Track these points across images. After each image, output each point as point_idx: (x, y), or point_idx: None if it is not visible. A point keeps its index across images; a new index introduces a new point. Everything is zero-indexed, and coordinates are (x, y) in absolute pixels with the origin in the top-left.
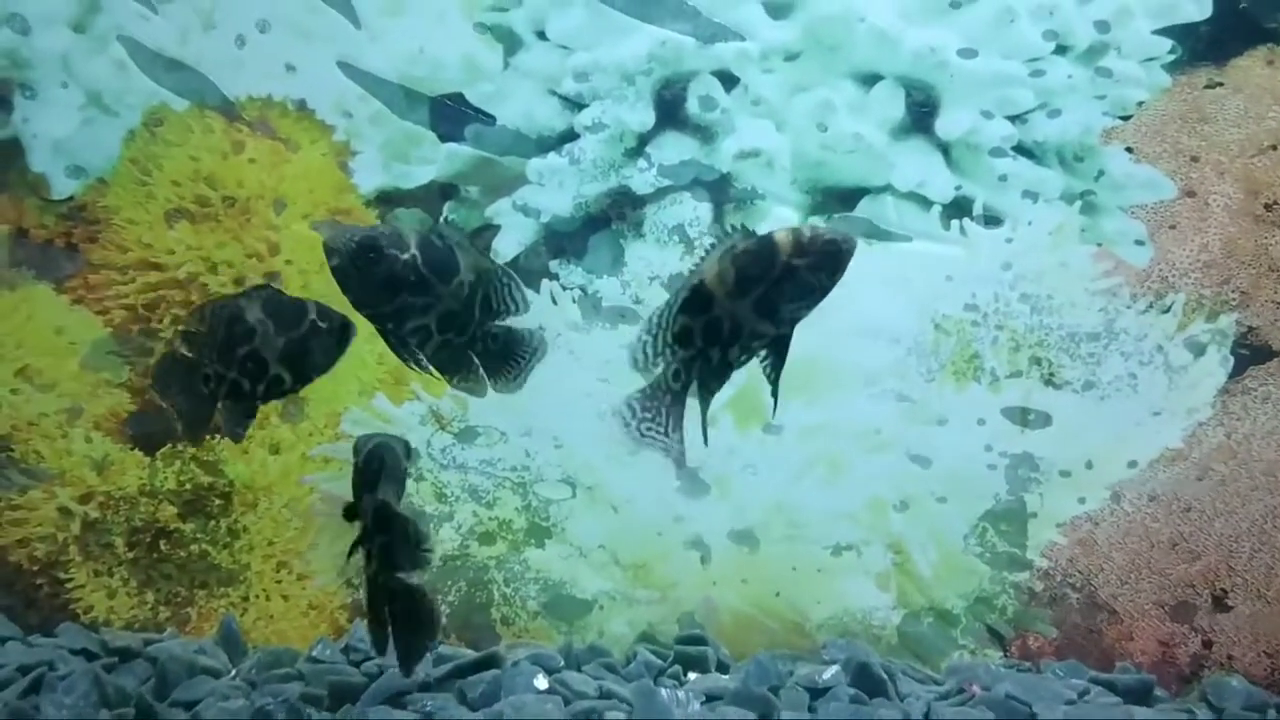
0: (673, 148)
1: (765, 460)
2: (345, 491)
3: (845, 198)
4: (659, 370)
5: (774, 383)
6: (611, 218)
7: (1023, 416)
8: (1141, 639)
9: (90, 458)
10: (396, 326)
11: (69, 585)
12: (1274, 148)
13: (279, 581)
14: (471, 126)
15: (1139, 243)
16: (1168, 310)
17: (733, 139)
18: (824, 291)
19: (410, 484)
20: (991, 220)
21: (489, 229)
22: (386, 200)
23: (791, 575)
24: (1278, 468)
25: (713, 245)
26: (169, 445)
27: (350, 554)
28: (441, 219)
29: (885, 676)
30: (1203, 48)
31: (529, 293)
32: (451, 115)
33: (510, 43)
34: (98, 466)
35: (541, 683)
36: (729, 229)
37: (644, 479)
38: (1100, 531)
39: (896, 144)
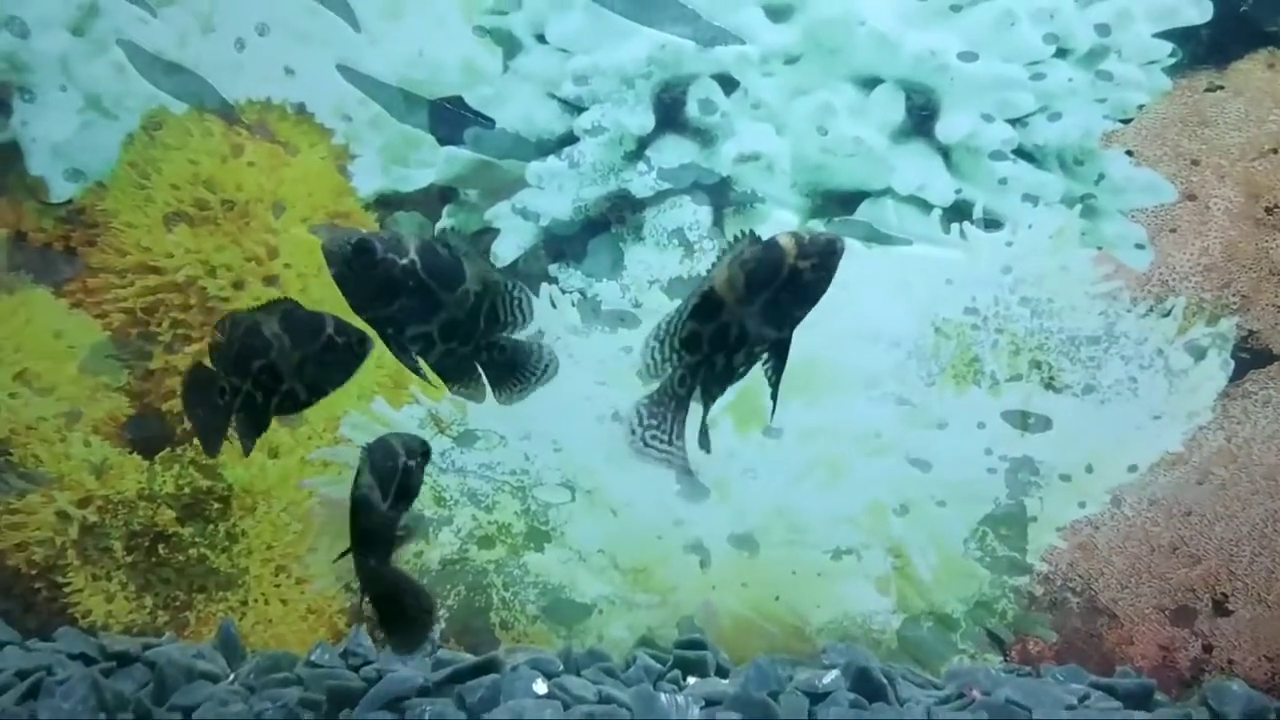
0: (672, 151)
1: (765, 464)
2: (344, 495)
3: (845, 201)
4: (666, 375)
5: (775, 386)
6: (611, 221)
7: (1023, 420)
8: (1142, 643)
9: (89, 461)
10: (397, 332)
11: (67, 589)
12: (1275, 151)
13: (278, 585)
14: (471, 130)
15: (1139, 246)
16: (1168, 314)
17: (732, 142)
18: (822, 292)
19: None
20: (992, 224)
21: (488, 232)
22: (385, 204)
23: (791, 579)
24: (1278, 471)
25: (723, 250)
26: (167, 449)
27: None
28: (438, 223)
29: (885, 681)
30: (1203, 51)
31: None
32: (451, 118)
33: (510, 46)
34: (96, 470)
35: (540, 687)
36: (736, 235)
37: (643, 483)
38: (1100, 535)
39: (897, 147)
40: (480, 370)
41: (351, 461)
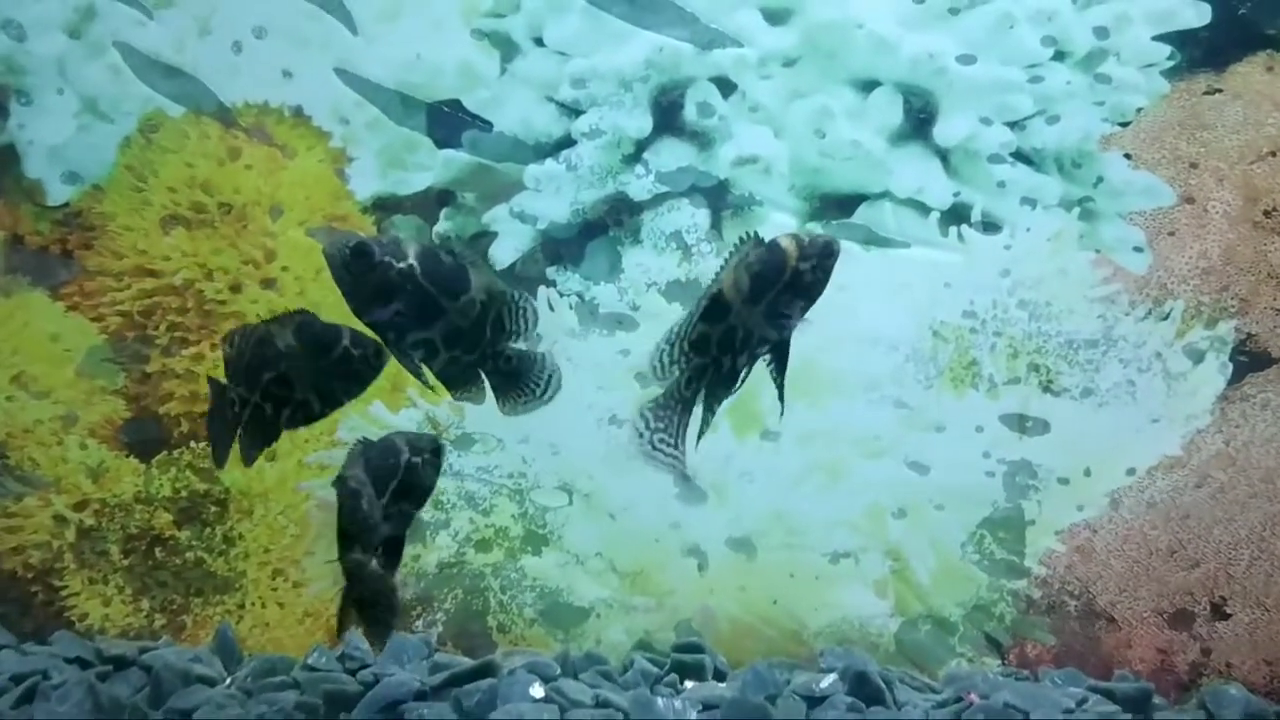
0: (670, 154)
1: (763, 467)
2: None
3: (843, 204)
4: (672, 379)
5: (780, 386)
6: (609, 224)
7: (1021, 423)
8: (1140, 647)
9: (85, 465)
10: (397, 336)
11: (64, 593)
12: (1273, 154)
13: (275, 589)
14: (469, 133)
15: (1138, 249)
16: (1166, 317)
17: (730, 145)
18: (820, 293)
19: None
20: (990, 227)
21: (485, 236)
22: (383, 207)
23: (789, 583)
24: (1276, 475)
25: (729, 252)
26: (164, 452)
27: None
28: (436, 226)
29: (883, 685)
30: (1202, 54)
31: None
32: (449, 122)
33: (507, 49)
34: (93, 474)
35: (538, 691)
36: (741, 237)
37: (641, 486)
38: (1099, 539)
39: (895, 150)
40: (484, 379)
41: None
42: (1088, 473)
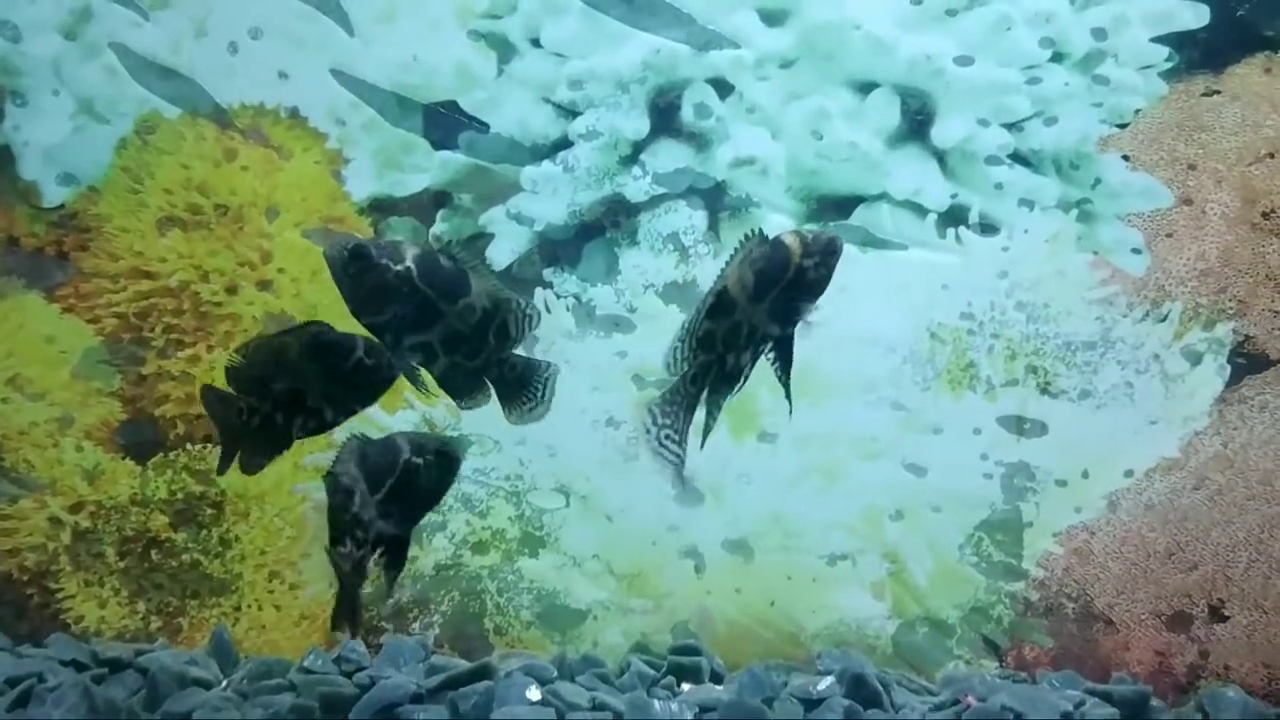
0: (667, 155)
1: (760, 469)
2: None
3: (841, 206)
4: (679, 375)
5: (786, 384)
6: (606, 226)
7: (1019, 425)
8: (1138, 649)
9: (81, 467)
10: (394, 339)
11: (59, 595)
12: (1271, 155)
13: (271, 591)
14: (465, 134)
15: (1136, 251)
16: (1164, 319)
17: (727, 147)
18: (823, 290)
19: None
20: (988, 228)
21: (482, 237)
22: (379, 208)
23: (786, 585)
24: (1274, 477)
25: (734, 249)
26: (160, 454)
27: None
28: (432, 228)
29: (880, 687)
30: (1200, 55)
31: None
32: (445, 123)
33: (504, 50)
34: (89, 476)
35: (534, 694)
36: (746, 234)
37: (638, 488)
38: (1096, 541)
39: (892, 152)
40: (490, 387)
41: None
42: (1085, 475)
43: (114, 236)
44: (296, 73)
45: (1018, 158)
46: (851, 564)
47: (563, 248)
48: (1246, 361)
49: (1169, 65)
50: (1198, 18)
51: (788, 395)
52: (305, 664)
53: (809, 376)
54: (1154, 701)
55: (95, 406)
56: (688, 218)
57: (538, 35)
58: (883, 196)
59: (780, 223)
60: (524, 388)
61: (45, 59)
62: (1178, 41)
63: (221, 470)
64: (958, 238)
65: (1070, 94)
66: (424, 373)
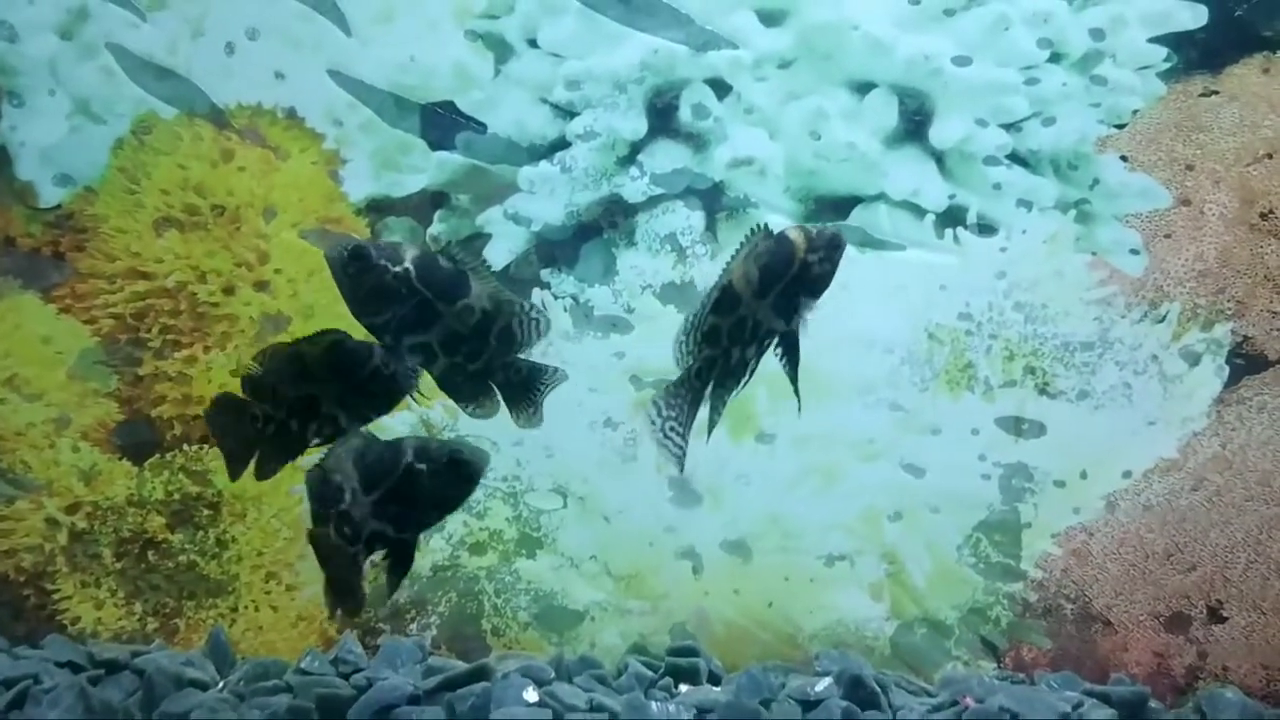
0: (665, 156)
1: (758, 470)
2: None
3: (839, 206)
4: (686, 368)
5: (794, 380)
6: (603, 226)
7: (1017, 426)
8: (1136, 650)
9: (78, 468)
10: (394, 340)
11: (56, 596)
12: (1269, 156)
13: (268, 592)
14: (462, 134)
15: (1134, 251)
16: (1163, 319)
17: (725, 147)
18: (827, 285)
19: None
20: (986, 229)
21: (479, 238)
22: (377, 209)
23: (784, 586)
24: (1273, 478)
25: (739, 244)
26: (157, 455)
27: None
28: (430, 228)
29: (878, 688)
30: (1198, 56)
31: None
32: (442, 123)
33: (501, 50)
34: (85, 476)
35: (531, 695)
36: (752, 229)
37: (636, 489)
38: (1095, 542)
39: (890, 152)
40: (496, 391)
41: None
42: (1084, 475)
43: (110, 237)
44: (293, 73)
45: (1016, 158)
46: (849, 565)
47: (560, 248)
48: (1245, 362)
49: (1167, 66)
50: (1196, 18)
51: (796, 390)
52: (302, 665)
53: (807, 377)
54: (1152, 703)
55: (92, 407)
56: (685, 218)
57: (535, 35)
58: (881, 197)
59: (779, 223)
60: (529, 392)
61: (42, 59)
62: (1176, 42)
63: (234, 476)
64: (956, 238)
65: (1068, 94)
66: (422, 377)
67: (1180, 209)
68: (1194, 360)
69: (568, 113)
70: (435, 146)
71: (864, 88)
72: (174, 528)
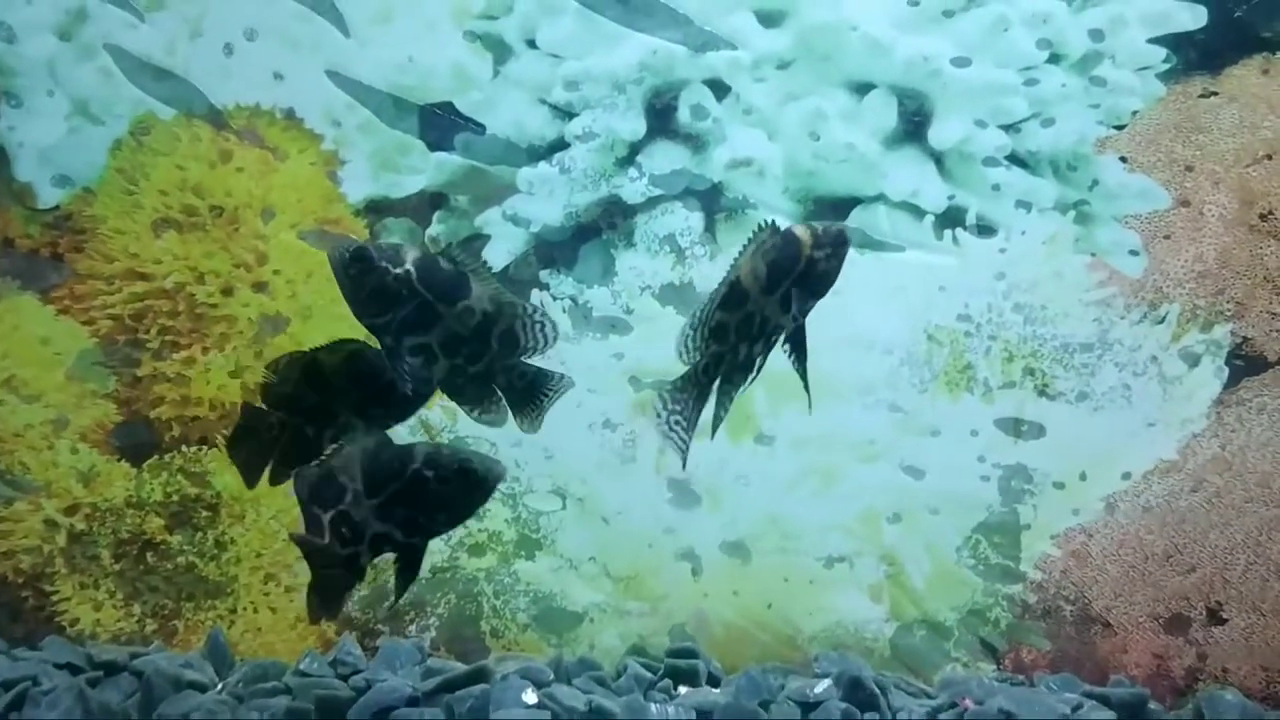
0: (664, 157)
1: (757, 471)
2: None
3: (838, 207)
4: (692, 363)
5: (803, 375)
6: (602, 227)
7: (1016, 427)
8: (1135, 652)
9: (76, 469)
10: (394, 341)
11: (54, 598)
12: (1269, 157)
13: (267, 594)
14: (461, 135)
15: (1133, 253)
16: (1162, 321)
17: (724, 148)
18: (833, 282)
19: None
20: (985, 230)
21: (478, 239)
22: (375, 209)
23: (783, 587)
24: (1272, 479)
25: (746, 241)
26: (155, 456)
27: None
28: (428, 229)
29: (878, 690)
30: (1197, 57)
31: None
32: (441, 124)
33: (500, 51)
34: (84, 478)
35: (530, 697)
36: (759, 225)
37: (635, 490)
38: (1094, 543)
39: (889, 153)
40: (500, 394)
41: None
42: (1083, 477)
43: (109, 238)
44: (292, 74)
45: (1015, 159)
46: (849, 566)
47: (559, 249)
48: (1244, 363)
49: (1166, 66)
50: (1195, 19)
51: (805, 386)
52: (301, 667)
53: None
54: (1152, 704)
55: (90, 408)
56: (684, 219)
57: (534, 36)
58: (880, 198)
59: (780, 223)
60: (533, 397)
61: (40, 60)
62: (1175, 43)
63: (251, 484)
64: (955, 239)
65: (1067, 95)
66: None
67: (1179, 210)
68: (1193, 361)
69: (566, 113)
70: (434, 147)
71: (863, 89)
72: (173, 529)
